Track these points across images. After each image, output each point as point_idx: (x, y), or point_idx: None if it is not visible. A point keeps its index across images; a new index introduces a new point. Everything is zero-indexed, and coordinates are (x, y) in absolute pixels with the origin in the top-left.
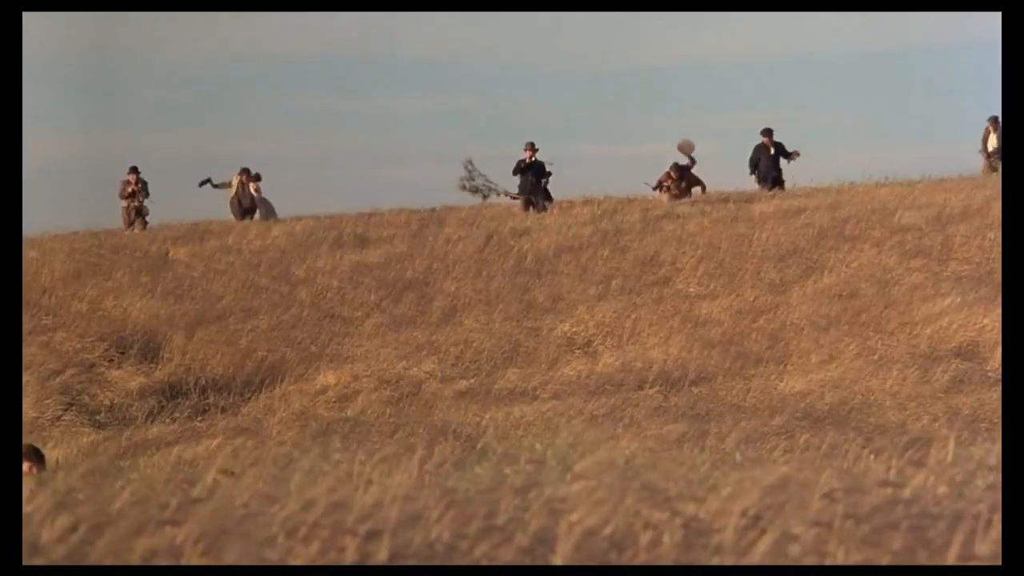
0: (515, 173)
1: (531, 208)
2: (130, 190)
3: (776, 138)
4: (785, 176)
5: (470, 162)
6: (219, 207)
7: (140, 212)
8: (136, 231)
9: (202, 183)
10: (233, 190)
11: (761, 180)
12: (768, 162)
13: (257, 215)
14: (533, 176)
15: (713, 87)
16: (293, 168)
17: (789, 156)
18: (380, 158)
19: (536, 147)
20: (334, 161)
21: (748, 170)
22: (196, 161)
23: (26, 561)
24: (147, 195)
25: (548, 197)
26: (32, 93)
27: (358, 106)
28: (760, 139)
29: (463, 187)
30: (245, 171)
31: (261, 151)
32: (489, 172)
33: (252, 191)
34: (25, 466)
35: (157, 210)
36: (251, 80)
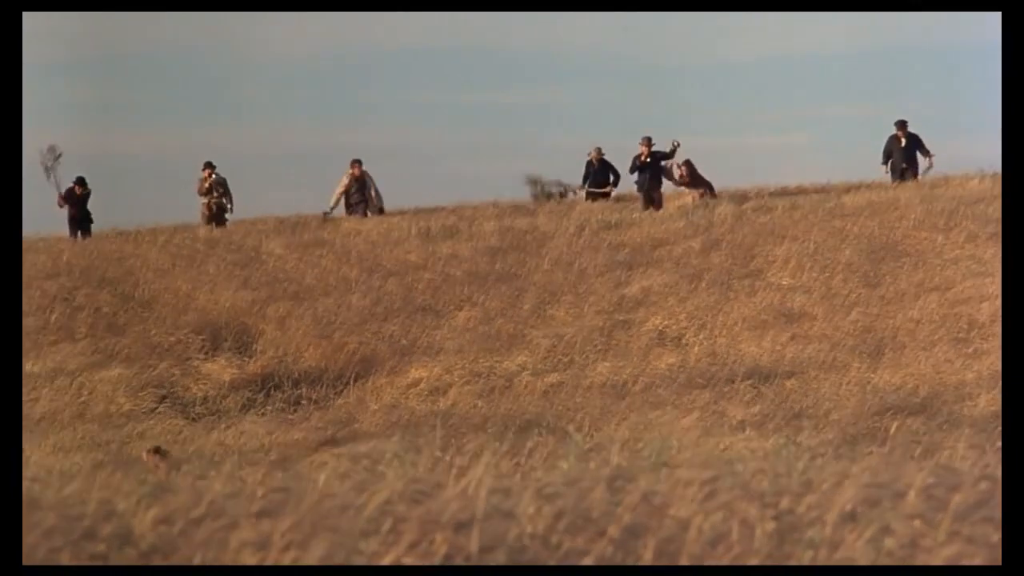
0: (632, 171)
1: (650, 206)
2: (207, 186)
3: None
4: (920, 170)
5: (534, 181)
6: (310, 202)
7: (221, 209)
8: (212, 229)
9: (326, 214)
10: (342, 187)
11: (893, 172)
12: (900, 154)
13: (368, 207)
14: (651, 171)
15: (803, 79)
16: (384, 161)
17: (926, 153)
18: (471, 151)
19: (652, 142)
20: (425, 154)
21: (881, 160)
22: (289, 156)
23: (118, 554)
24: (226, 192)
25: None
26: (124, 89)
27: (452, 99)
28: (894, 130)
29: (536, 198)
30: (357, 163)
31: (351, 144)
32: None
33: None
34: (152, 460)
35: (246, 205)
36: (343, 74)
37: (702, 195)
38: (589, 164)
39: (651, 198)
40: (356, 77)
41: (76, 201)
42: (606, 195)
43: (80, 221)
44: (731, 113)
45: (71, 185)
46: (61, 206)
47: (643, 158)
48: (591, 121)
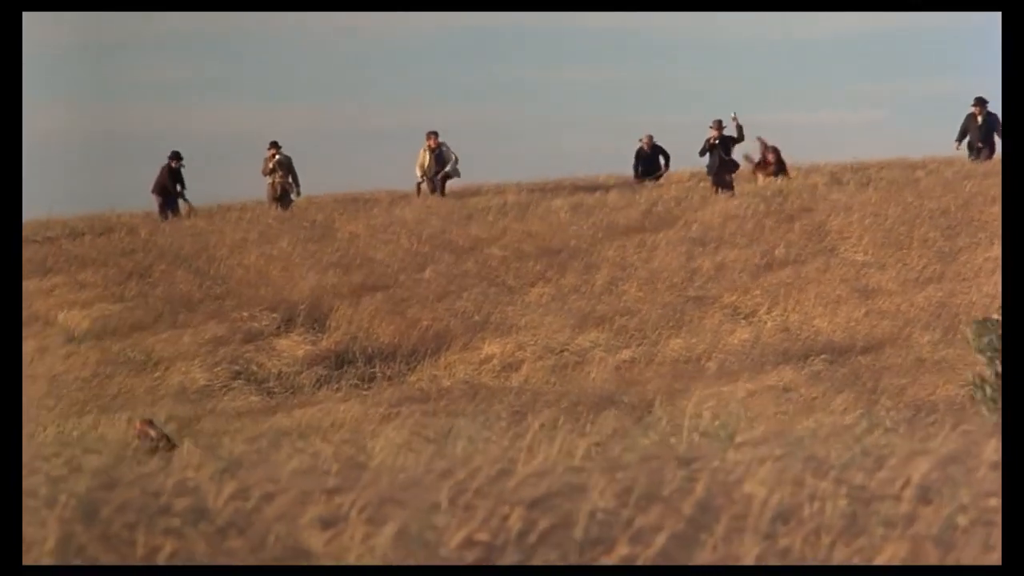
0: (702, 154)
1: (720, 190)
2: (270, 166)
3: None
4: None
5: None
6: (385, 178)
7: (285, 190)
8: (278, 209)
9: (419, 187)
10: (421, 160)
11: (969, 150)
12: (976, 132)
13: (448, 168)
14: (721, 154)
15: (880, 55)
16: (458, 138)
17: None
18: (548, 127)
19: (723, 124)
20: (498, 131)
21: (955, 137)
22: (364, 134)
23: (193, 530)
24: (291, 172)
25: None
26: (201, 67)
27: (525, 75)
28: (971, 108)
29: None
30: (433, 134)
31: (425, 122)
32: (670, 142)
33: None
34: (143, 429)
35: (319, 182)
36: (417, 52)
37: (774, 176)
38: (640, 151)
39: (721, 181)
40: (430, 54)
41: (171, 175)
42: (656, 179)
43: (171, 198)
44: (806, 89)
45: (167, 161)
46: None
47: (712, 141)
48: (664, 98)
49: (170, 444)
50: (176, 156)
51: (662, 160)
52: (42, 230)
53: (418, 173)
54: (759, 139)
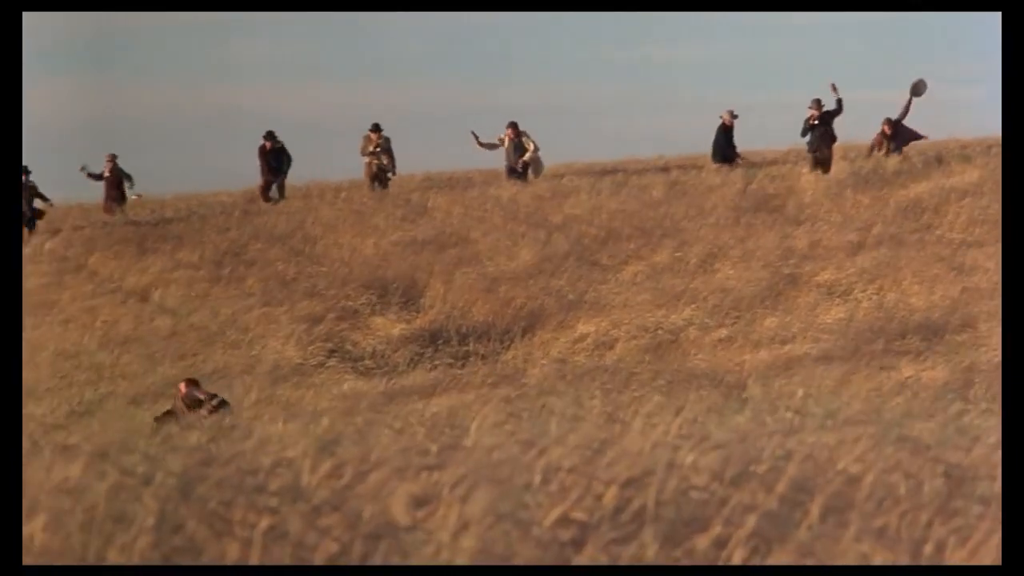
0: (803, 134)
1: (819, 168)
2: (371, 148)
3: None
4: None
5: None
6: (479, 157)
7: (383, 170)
8: (376, 189)
9: (476, 143)
10: (504, 146)
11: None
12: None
13: (530, 171)
14: (821, 133)
15: (980, 33)
16: (552, 116)
17: None
18: (639, 106)
19: (822, 103)
20: (591, 110)
21: None
22: (464, 112)
23: (290, 508)
24: (388, 153)
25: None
26: (290, 48)
27: (613, 55)
28: None
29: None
30: (512, 125)
31: (520, 100)
32: (752, 121)
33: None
34: (183, 388)
35: (412, 161)
36: (513, 30)
37: (889, 150)
38: (722, 129)
39: (821, 159)
40: (519, 35)
41: (267, 156)
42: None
43: (271, 178)
44: (906, 66)
45: (262, 142)
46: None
47: (812, 120)
48: (759, 76)
49: (218, 402)
50: (270, 136)
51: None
52: (138, 208)
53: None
54: (840, 104)
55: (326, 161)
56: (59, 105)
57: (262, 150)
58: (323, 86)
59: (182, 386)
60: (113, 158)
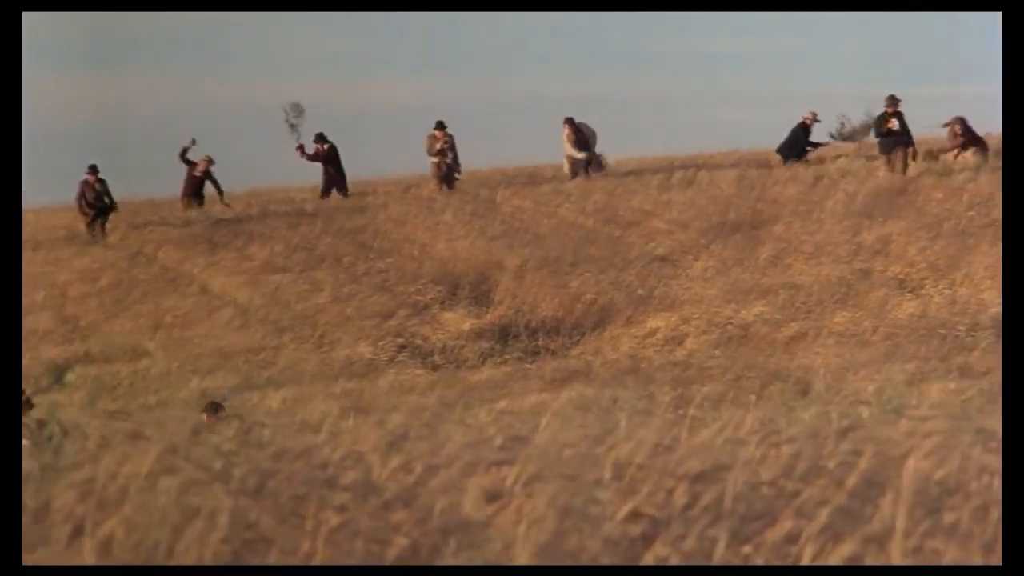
0: (877, 135)
1: (891, 164)
2: (437, 147)
3: None
4: None
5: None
6: (549, 151)
7: (450, 169)
8: (443, 189)
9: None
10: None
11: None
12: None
13: (591, 168)
14: (896, 133)
15: None
16: (623, 110)
17: None
18: (710, 100)
19: (897, 99)
20: (665, 103)
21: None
22: (528, 106)
23: (361, 503)
24: (454, 153)
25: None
26: (356, 41)
27: (686, 49)
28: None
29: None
30: (569, 121)
31: (591, 94)
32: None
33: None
34: (207, 419)
35: (481, 156)
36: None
37: (960, 154)
38: (802, 127)
39: (892, 157)
40: (593, 27)
41: (322, 158)
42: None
43: (329, 180)
44: (973, 61)
45: (315, 145)
46: (311, 158)
47: (889, 126)
48: (842, 70)
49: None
50: (320, 138)
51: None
52: (213, 205)
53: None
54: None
55: (394, 156)
56: (129, 99)
57: (316, 154)
58: (388, 81)
59: (204, 417)
60: (210, 161)
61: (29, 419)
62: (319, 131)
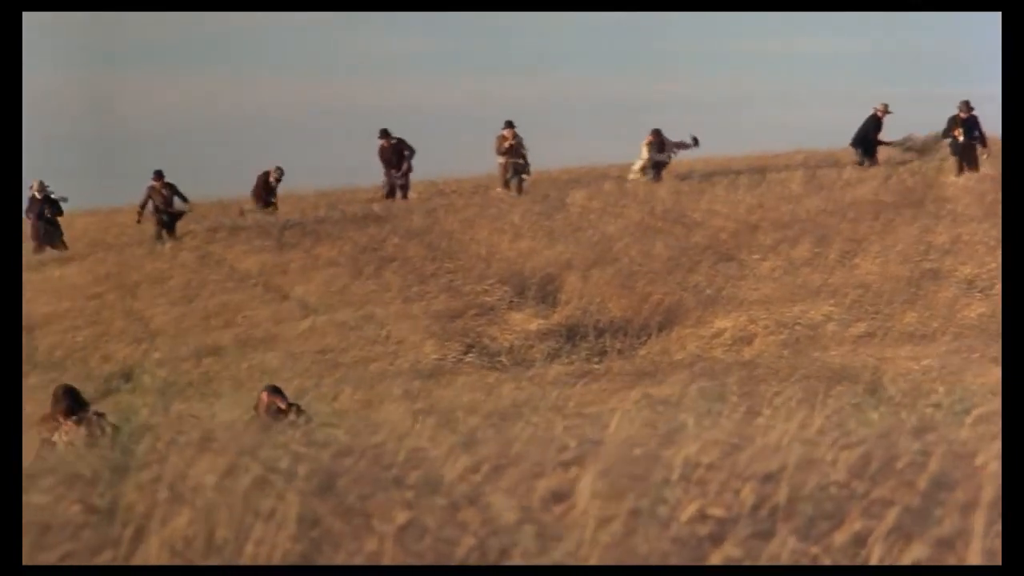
0: (945, 135)
1: (963, 170)
2: (506, 146)
3: None
4: None
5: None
6: (616, 152)
7: (518, 170)
8: (511, 191)
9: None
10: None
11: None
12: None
13: (663, 157)
14: (966, 136)
15: None
16: (688, 111)
17: None
18: (775, 100)
19: (971, 106)
20: (732, 102)
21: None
22: (603, 106)
23: (427, 501)
24: (523, 150)
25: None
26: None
27: (756, 47)
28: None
29: (904, 149)
30: (656, 132)
31: (661, 95)
32: (908, 114)
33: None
34: (266, 398)
35: (551, 155)
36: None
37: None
38: (873, 119)
39: (968, 159)
40: (664, 26)
41: (386, 154)
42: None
43: (391, 181)
44: None
45: (380, 142)
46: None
47: (956, 134)
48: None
49: (301, 413)
50: (384, 134)
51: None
52: (283, 205)
53: (636, 165)
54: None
55: (462, 155)
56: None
57: (381, 150)
58: (458, 80)
59: (264, 395)
60: (280, 171)
61: (95, 418)
62: (383, 127)
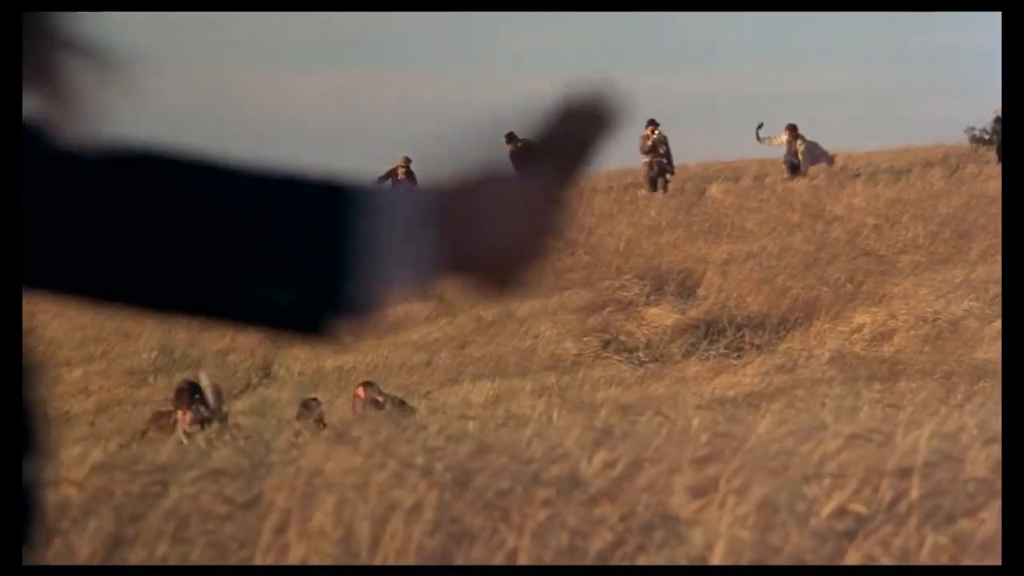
0: None
1: None
2: (649, 144)
3: None
4: None
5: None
6: (754, 146)
7: (662, 169)
8: (658, 192)
9: (758, 128)
10: (784, 147)
11: None
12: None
13: (801, 169)
14: None
15: None
16: (833, 104)
17: None
18: (917, 93)
19: None
20: (873, 96)
21: None
22: (739, 100)
23: (566, 497)
24: (666, 150)
25: None
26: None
27: (897, 40)
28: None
29: (983, 141)
30: (792, 128)
31: (802, 88)
32: None
33: (796, 147)
34: (362, 393)
35: (689, 149)
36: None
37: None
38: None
39: None
40: (806, 19)
41: (514, 158)
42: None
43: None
44: None
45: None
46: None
47: None
48: None
49: (402, 406)
50: (511, 138)
51: None
52: None
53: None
54: None
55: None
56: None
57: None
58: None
59: (360, 390)
60: (407, 161)
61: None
62: (508, 131)
